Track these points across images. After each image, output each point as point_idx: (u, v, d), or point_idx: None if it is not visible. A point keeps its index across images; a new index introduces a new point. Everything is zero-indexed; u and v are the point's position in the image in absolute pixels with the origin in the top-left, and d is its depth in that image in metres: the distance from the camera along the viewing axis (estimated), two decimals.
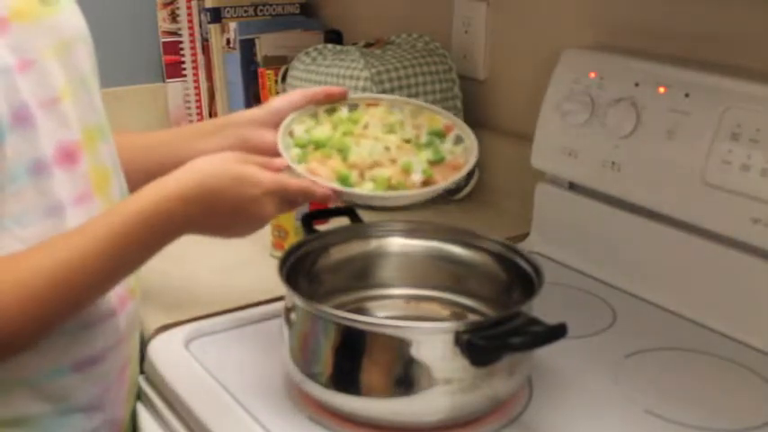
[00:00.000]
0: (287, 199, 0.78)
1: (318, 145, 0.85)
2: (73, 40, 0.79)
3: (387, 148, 0.85)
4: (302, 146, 0.85)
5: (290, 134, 0.87)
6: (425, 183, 0.83)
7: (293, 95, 0.91)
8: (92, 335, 0.80)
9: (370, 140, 0.85)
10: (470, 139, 0.88)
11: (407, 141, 0.87)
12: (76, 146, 0.77)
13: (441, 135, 0.89)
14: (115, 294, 0.80)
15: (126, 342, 0.85)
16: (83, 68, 0.81)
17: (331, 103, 0.91)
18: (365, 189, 0.81)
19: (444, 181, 0.83)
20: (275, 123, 0.88)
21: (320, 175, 0.80)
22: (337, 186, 0.79)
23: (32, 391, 0.77)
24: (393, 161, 0.84)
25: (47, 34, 0.75)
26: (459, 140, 0.89)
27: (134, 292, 0.86)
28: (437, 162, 0.85)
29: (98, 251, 0.71)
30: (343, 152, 0.84)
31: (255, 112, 0.92)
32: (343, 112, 0.90)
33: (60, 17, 0.78)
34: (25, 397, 0.77)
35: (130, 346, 0.87)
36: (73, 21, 0.81)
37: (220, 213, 0.76)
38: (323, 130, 0.87)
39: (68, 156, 0.76)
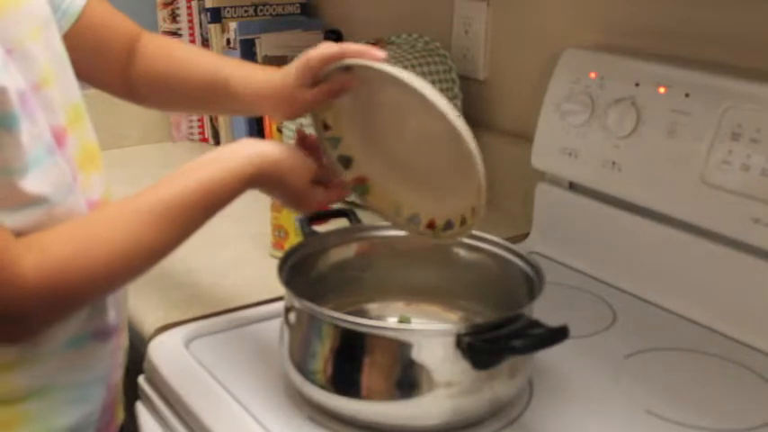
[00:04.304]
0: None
1: None
2: (48, 21, 0.80)
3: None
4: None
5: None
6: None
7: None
8: (104, 303, 0.81)
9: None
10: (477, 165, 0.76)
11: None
12: (62, 130, 0.78)
13: None
14: None
15: (124, 306, 0.88)
16: (58, 47, 0.81)
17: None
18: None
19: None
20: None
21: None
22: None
23: (56, 361, 0.78)
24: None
25: (25, 20, 0.75)
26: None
27: None
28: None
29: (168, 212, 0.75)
30: None
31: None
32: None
33: (34, 1, 0.78)
34: (46, 369, 0.77)
35: (125, 308, 0.89)
36: (42, 1, 0.81)
37: (268, 191, 0.83)
38: None
39: (57, 140, 0.76)
